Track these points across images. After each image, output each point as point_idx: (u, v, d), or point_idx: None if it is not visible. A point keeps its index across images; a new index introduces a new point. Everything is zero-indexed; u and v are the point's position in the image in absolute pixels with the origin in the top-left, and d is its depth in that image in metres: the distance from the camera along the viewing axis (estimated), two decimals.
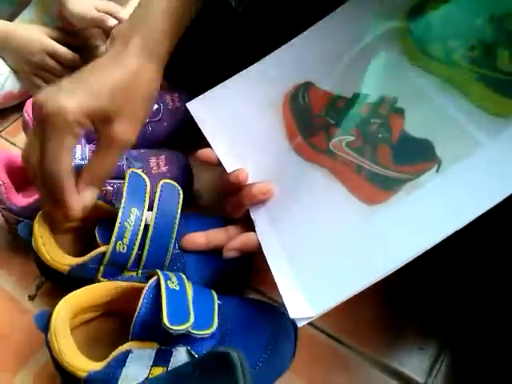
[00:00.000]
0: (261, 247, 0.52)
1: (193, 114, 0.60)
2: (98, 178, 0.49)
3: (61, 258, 0.52)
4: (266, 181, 0.53)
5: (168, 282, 0.45)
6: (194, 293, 0.47)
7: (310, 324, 0.56)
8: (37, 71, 0.79)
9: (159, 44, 0.51)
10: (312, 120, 0.54)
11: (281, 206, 0.52)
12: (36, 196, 0.60)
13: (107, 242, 0.52)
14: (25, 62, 0.78)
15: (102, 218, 0.55)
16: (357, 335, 0.56)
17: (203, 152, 0.58)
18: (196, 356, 0.47)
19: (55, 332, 0.45)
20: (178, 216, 0.53)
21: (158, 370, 0.46)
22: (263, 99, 0.57)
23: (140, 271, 0.53)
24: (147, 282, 0.49)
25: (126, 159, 0.64)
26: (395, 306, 0.58)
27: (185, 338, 0.46)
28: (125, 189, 0.52)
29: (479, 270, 0.55)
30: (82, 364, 0.45)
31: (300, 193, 0.52)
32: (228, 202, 0.55)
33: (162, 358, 0.46)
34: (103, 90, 0.46)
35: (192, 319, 0.43)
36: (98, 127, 0.47)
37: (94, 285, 0.49)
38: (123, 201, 0.52)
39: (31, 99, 0.68)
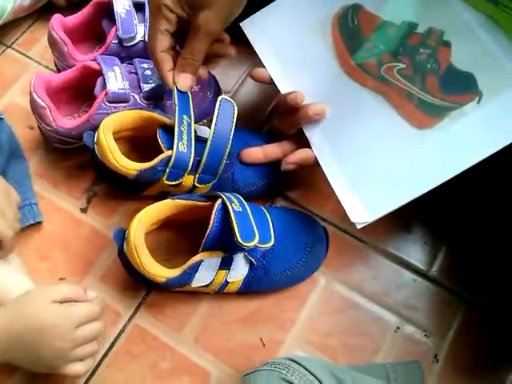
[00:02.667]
0: (317, 161, 0.57)
1: (246, 33, 0.61)
2: (189, 64, 0.54)
3: (128, 164, 0.57)
4: (320, 102, 0.57)
5: (232, 204, 0.53)
6: (251, 211, 0.55)
7: (333, 225, 0.66)
8: None
9: None
10: (362, 44, 0.57)
11: (334, 125, 0.57)
12: (80, 118, 0.64)
13: (169, 148, 0.57)
14: None
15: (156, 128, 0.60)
16: (373, 233, 0.66)
17: (257, 71, 0.61)
18: (252, 260, 0.56)
19: (135, 246, 0.53)
20: (233, 131, 0.58)
21: (222, 273, 0.56)
22: (312, 20, 0.59)
23: (197, 175, 0.60)
24: (205, 201, 0.56)
25: None
26: (405, 207, 0.67)
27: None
28: (176, 101, 0.56)
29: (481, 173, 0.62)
30: (161, 271, 0.53)
31: (353, 113, 0.56)
32: (283, 120, 0.60)
33: (225, 263, 0.55)
34: None
35: (257, 236, 0.51)
36: (188, 14, 0.52)
37: (159, 203, 0.56)
38: (176, 109, 0.57)
39: (56, 15, 0.68)
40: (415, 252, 0.66)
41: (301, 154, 0.58)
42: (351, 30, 0.58)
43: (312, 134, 0.58)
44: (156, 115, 0.59)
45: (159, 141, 0.58)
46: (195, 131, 0.59)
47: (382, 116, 0.55)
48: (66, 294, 0.51)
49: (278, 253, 0.58)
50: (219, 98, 0.57)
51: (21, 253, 0.62)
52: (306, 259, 0.59)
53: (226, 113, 0.58)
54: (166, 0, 0.51)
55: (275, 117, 0.62)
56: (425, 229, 0.67)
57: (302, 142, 0.59)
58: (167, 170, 0.57)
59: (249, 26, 0.61)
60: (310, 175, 0.69)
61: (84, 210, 0.67)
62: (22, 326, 0.48)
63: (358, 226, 0.54)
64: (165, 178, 0.58)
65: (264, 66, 0.60)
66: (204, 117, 0.69)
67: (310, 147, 0.58)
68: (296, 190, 0.69)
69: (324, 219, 0.67)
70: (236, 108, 0.58)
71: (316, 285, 0.63)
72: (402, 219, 0.67)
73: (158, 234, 0.60)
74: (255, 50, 0.61)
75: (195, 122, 0.68)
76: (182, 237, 0.61)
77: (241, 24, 0.61)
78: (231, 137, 0.58)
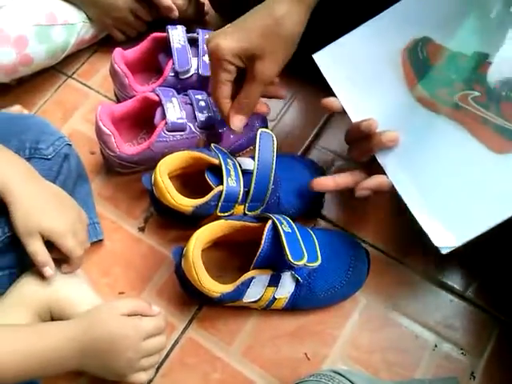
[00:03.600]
0: (393, 187, 0.58)
1: (318, 64, 0.63)
2: (244, 107, 0.61)
3: (184, 201, 0.63)
4: (393, 129, 0.58)
5: (282, 225, 0.57)
6: (299, 232, 0.59)
7: (374, 247, 0.70)
8: (118, 25, 0.84)
9: None
10: (433, 73, 0.59)
11: (409, 151, 0.58)
12: (141, 145, 0.70)
13: (218, 185, 0.63)
14: (108, 17, 0.83)
15: (203, 167, 0.65)
16: (412, 255, 0.69)
17: (328, 100, 0.62)
18: (299, 278, 0.60)
19: (193, 263, 0.57)
20: (274, 160, 0.64)
21: (270, 289, 0.60)
22: (383, 52, 0.61)
23: (247, 204, 0.65)
24: (255, 222, 0.61)
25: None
26: None
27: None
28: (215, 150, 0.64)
29: None
30: (216, 287, 0.58)
31: (428, 139, 0.58)
32: (356, 147, 0.61)
33: (274, 281, 0.60)
34: (250, 33, 0.57)
35: (306, 255, 0.56)
36: (246, 64, 0.59)
37: (214, 223, 0.61)
38: (220, 156, 0.64)
39: (117, 49, 0.75)
40: (452, 273, 0.69)
41: (376, 180, 0.59)
42: (421, 61, 0.60)
43: (386, 160, 0.59)
44: (204, 156, 0.64)
45: (208, 180, 0.63)
46: (240, 165, 0.65)
47: (460, 141, 0.56)
48: (134, 308, 0.56)
49: (323, 272, 0.62)
50: (259, 131, 0.63)
51: (84, 268, 0.67)
52: (348, 279, 0.63)
53: (266, 144, 0.63)
54: (227, 55, 0.57)
55: (348, 144, 0.63)
56: (462, 251, 0.69)
57: (374, 171, 0.60)
58: (219, 203, 0.63)
59: (321, 58, 0.64)
60: (350, 198, 0.73)
61: (142, 229, 0.73)
62: (94, 336, 0.53)
63: (444, 251, 0.56)
64: (218, 210, 0.63)
65: (335, 96, 0.63)
66: (251, 144, 0.75)
67: (382, 173, 0.59)
68: (336, 212, 0.73)
69: (364, 240, 0.71)
70: (275, 139, 0.63)
71: (358, 303, 0.66)
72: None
73: (210, 251, 0.64)
74: (327, 80, 0.63)
75: (244, 149, 0.74)
76: (233, 255, 0.66)
77: (313, 56, 0.64)
78: (274, 166, 0.63)
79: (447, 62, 0.59)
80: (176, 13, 0.83)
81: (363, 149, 0.60)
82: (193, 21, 0.86)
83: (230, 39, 0.57)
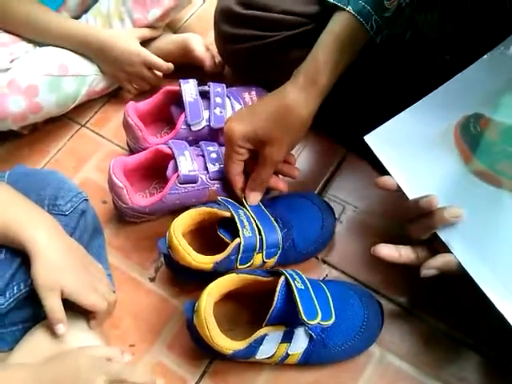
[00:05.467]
0: (461, 266, 0.57)
1: (370, 146, 0.65)
2: (258, 185, 0.67)
3: (204, 259, 0.63)
4: (454, 205, 0.58)
5: (295, 282, 0.57)
6: (312, 288, 0.59)
7: (386, 297, 0.70)
8: (132, 78, 0.86)
9: (321, 74, 0.62)
10: (490, 147, 0.59)
11: (474, 228, 0.57)
12: (153, 197, 0.70)
13: (231, 238, 0.64)
14: (122, 71, 0.85)
15: (214, 221, 0.66)
16: (425, 307, 0.69)
17: (383, 179, 0.63)
18: (312, 334, 0.60)
19: (205, 320, 0.57)
20: (269, 214, 0.68)
21: (284, 345, 0.60)
22: (435, 130, 0.62)
23: (264, 252, 0.66)
24: (267, 276, 0.61)
25: (228, 97, 0.79)
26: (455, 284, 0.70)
27: None
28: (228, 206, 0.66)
29: None
30: (229, 344, 0.58)
31: (494, 215, 0.57)
32: (415, 225, 0.60)
33: (287, 337, 0.59)
34: (261, 119, 0.63)
35: (320, 314, 0.56)
36: (257, 147, 0.64)
37: (226, 277, 0.61)
38: (231, 208, 0.65)
39: (130, 102, 0.76)
40: (465, 325, 0.68)
41: (443, 259, 0.58)
42: (475, 136, 0.60)
43: (450, 238, 0.58)
44: (216, 210, 0.65)
45: (222, 237, 0.65)
46: (251, 213, 0.67)
47: None
48: (106, 353, 0.56)
49: (337, 327, 0.61)
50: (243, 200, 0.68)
51: None
52: (362, 333, 0.63)
53: (257, 207, 0.69)
54: (238, 139, 0.63)
55: (406, 222, 0.62)
56: (473, 300, 0.69)
57: (436, 248, 0.60)
58: (239, 255, 0.63)
59: (373, 140, 0.66)
60: (361, 248, 0.74)
61: (152, 280, 0.73)
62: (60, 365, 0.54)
63: None
64: (238, 264, 0.64)
65: (390, 174, 0.63)
66: None
67: (446, 251, 0.58)
68: (348, 263, 0.73)
69: (376, 291, 0.70)
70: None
71: (371, 357, 0.65)
72: (451, 292, 0.70)
73: (222, 304, 0.64)
74: (381, 161, 0.64)
75: None
76: (245, 307, 0.65)
77: (365, 138, 0.66)
78: (273, 220, 0.68)
79: (503, 135, 0.59)
80: (210, 63, 0.87)
81: (424, 226, 0.59)
82: (210, 74, 0.88)
83: (243, 124, 0.63)
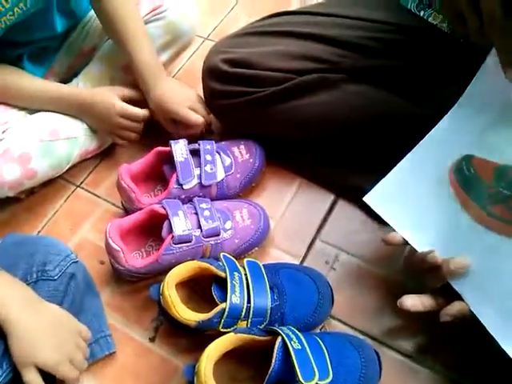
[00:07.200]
0: (473, 314, 0.58)
1: (371, 205, 0.67)
2: None
3: (188, 315, 0.65)
4: (461, 255, 0.59)
5: (292, 342, 0.58)
6: (308, 345, 0.60)
7: (385, 344, 0.70)
8: (114, 130, 0.89)
9: None
10: (486, 191, 0.59)
11: (484, 276, 0.58)
12: (149, 258, 0.72)
13: (222, 300, 0.65)
14: (104, 124, 0.88)
15: (209, 277, 0.68)
16: (425, 352, 0.70)
17: (389, 236, 0.65)
18: None
19: (205, 382, 0.58)
20: (267, 281, 0.68)
21: None
22: (430, 180, 0.63)
23: (250, 320, 0.66)
24: (264, 335, 0.62)
25: (218, 153, 0.81)
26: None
27: None
28: (225, 263, 0.66)
29: None
30: None
31: (503, 262, 0.57)
32: (426, 277, 0.63)
33: None
34: None
35: (317, 374, 0.57)
36: None
37: (224, 337, 0.62)
38: (227, 269, 0.66)
39: (123, 165, 0.79)
40: (464, 368, 0.69)
41: (457, 308, 0.60)
42: (470, 179, 0.60)
43: (459, 286, 0.59)
44: (212, 268, 0.67)
45: (213, 294, 0.66)
46: (247, 278, 0.67)
47: None
48: None
49: (335, 381, 0.62)
50: (244, 260, 0.70)
51: (97, 382, 0.68)
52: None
53: (255, 270, 0.69)
54: None
55: (419, 274, 0.64)
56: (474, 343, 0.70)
57: (452, 296, 0.61)
58: (222, 320, 0.64)
59: (372, 199, 0.67)
60: (357, 295, 0.75)
61: (152, 339, 0.74)
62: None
63: None
64: (220, 326, 0.65)
65: (395, 230, 0.65)
66: (256, 246, 0.77)
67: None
68: (344, 311, 0.74)
69: (374, 338, 0.71)
70: (261, 264, 0.71)
71: None
72: (452, 337, 0.70)
73: (222, 363, 0.64)
74: (384, 219, 0.66)
75: (249, 251, 0.76)
76: (243, 365, 0.66)
77: (364, 198, 0.67)
78: (268, 288, 0.68)
79: (498, 176, 0.58)
80: (202, 128, 0.87)
81: (434, 277, 0.62)
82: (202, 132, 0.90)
83: None
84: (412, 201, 0.65)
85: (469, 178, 0.61)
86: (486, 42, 0.55)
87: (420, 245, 0.63)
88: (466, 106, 0.63)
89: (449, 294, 0.62)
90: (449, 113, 0.64)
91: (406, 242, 0.64)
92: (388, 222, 0.66)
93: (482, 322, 0.58)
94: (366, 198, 0.67)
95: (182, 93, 0.86)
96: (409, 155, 0.65)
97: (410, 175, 0.65)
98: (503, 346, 0.56)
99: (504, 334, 0.56)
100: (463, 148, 0.62)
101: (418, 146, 0.65)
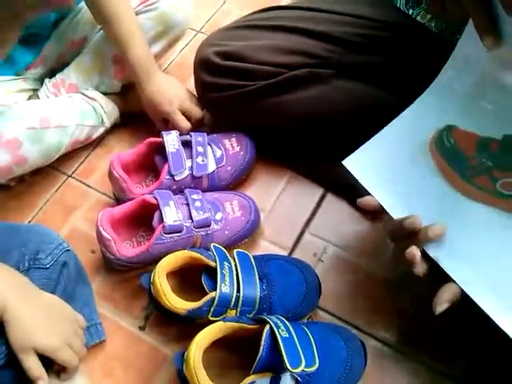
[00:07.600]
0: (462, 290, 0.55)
1: (349, 169, 0.65)
2: None
3: (179, 304, 0.66)
4: (438, 222, 0.57)
5: (279, 330, 0.59)
6: (295, 333, 0.62)
7: (371, 336, 0.72)
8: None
9: None
10: (467, 162, 0.58)
11: (462, 244, 0.56)
12: (140, 248, 0.73)
13: (212, 289, 0.66)
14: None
15: (200, 268, 0.69)
16: (412, 344, 0.71)
17: (365, 200, 0.63)
18: (298, 378, 0.62)
19: (195, 370, 0.59)
20: (256, 272, 0.70)
21: None
22: (411, 147, 0.62)
23: (239, 309, 0.68)
24: (253, 324, 0.63)
25: (209, 145, 0.83)
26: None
27: None
28: (215, 252, 0.68)
29: None
30: None
31: (481, 231, 0.56)
32: (402, 246, 0.58)
33: (274, 382, 0.61)
34: None
35: (304, 361, 0.58)
36: None
37: (214, 325, 0.63)
38: (217, 259, 0.68)
39: (115, 154, 0.79)
40: (454, 362, 0.70)
41: (448, 290, 0.56)
42: (451, 150, 0.60)
43: (438, 254, 0.57)
44: (202, 258, 0.68)
45: (203, 283, 0.67)
46: (236, 267, 0.69)
47: (508, 228, 0.54)
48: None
49: (322, 370, 0.63)
50: (234, 251, 0.71)
51: (87, 370, 0.69)
52: (347, 374, 0.65)
53: (245, 261, 0.70)
54: None
55: (392, 242, 0.62)
56: (463, 337, 0.72)
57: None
58: (212, 309, 0.66)
59: (351, 163, 0.65)
60: (344, 286, 0.76)
61: (142, 328, 0.75)
62: None
63: None
64: (210, 315, 0.66)
65: (372, 195, 0.63)
66: (246, 237, 0.78)
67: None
68: (331, 302, 0.75)
69: (359, 328, 0.73)
70: (250, 255, 0.72)
71: None
72: (442, 330, 0.72)
73: (211, 350, 0.66)
74: (361, 183, 0.64)
75: (239, 242, 0.77)
76: (233, 352, 0.67)
77: (343, 162, 0.66)
78: (257, 278, 0.69)
79: (479, 148, 0.58)
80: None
81: (409, 246, 0.58)
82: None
83: None
84: (392, 168, 0.63)
85: (449, 149, 0.60)
86: (462, 15, 0.55)
87: (396, 212, 0.61)
88: (450, 74, 0.61)
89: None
90: (431, 84, 0.63)
91: (381, 209, 0.63)
92: (366, 187, 0.64)
93: (464, 289, 0.56)
94: (346, 162, 0.66)
95: (172, 92, 0.87)
96: (393, 122, 0.64)
97: (392, 142, 0.64)
98: (486, 311, 0.54)
99: (487, 300, 0.54)
100: (446, 118, 0.61)
101: (401, 114, 0.64)
